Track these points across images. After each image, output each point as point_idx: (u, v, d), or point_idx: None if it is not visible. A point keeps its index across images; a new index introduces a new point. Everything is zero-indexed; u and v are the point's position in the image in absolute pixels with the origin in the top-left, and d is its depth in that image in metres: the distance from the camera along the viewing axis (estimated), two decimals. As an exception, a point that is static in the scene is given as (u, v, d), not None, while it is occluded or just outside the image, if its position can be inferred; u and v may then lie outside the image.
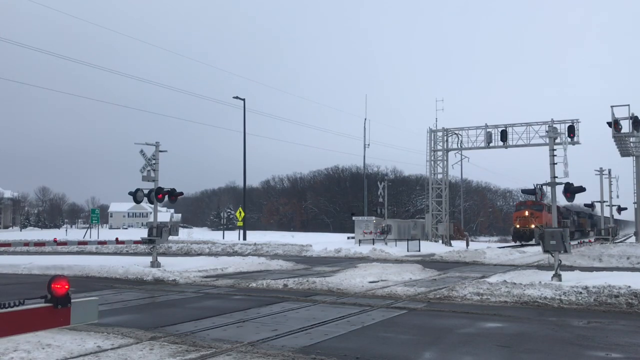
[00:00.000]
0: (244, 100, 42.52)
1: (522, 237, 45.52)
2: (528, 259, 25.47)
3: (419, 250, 31.77)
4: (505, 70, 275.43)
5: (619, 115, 25.19)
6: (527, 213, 46.04)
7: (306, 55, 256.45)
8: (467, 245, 38.45)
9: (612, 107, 25.40)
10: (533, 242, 41.21)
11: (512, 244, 45.59)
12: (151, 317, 9.94)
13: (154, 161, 19.38)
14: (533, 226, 42.81)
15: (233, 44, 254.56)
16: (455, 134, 41.40)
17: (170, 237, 21.86)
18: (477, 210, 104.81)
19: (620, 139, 27.66)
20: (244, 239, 42.01)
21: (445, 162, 42.09)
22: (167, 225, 20.82)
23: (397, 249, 31.15)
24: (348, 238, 44.18)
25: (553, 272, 14.28)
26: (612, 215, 40.46)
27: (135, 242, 21.74)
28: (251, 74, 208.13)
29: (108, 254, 29.42)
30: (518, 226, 46.54)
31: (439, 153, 42.02)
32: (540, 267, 20.11)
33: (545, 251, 14.86)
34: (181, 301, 12.07)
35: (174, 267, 18.54)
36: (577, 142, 34.55)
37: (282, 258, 24.46)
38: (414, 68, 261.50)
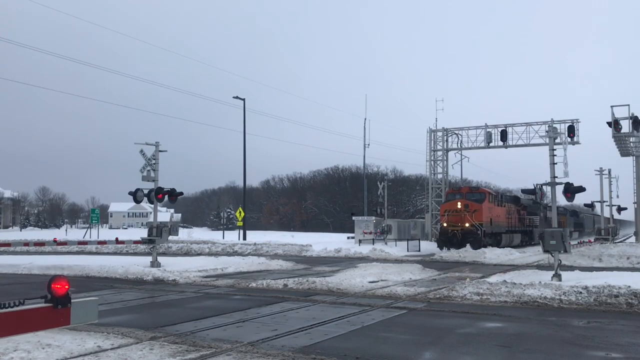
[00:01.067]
0: (244, 100, 42.51)
1: (451, 241, 30.74)
2: (528, 259, 25.48)
3: (419, 250, 31.77)
4: (505, 70, 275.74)
5: (619, 115, 25.18)
6: (459, 205, 31.60)
7: (306, 55, 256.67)
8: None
9: (612, 107, 25.40)
10: (468, 247, 28.50)
11: (439, 252, 29.32)
12: (151, 317, 9.94)
13: (153, 161, 19.38)
14: (467, 225, 30.68)
15: (233, 44, 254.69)
16: (455, 133, 41.42)
17: (170, 237, 21.91)
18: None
19: (620, 139, 27.64)
20: (244, 239, 41.99)
21: (445, 162, 42.11)
22: (167, 225, 20.82)
23: (397, 249, 31.14)
24: (348, 238, 44.15)
25: (553, 272, 14.28)
26: (612, 215, 40.39)
27: (135, 242, 21.73)
28: (251, 74, 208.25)
29: (108, 254, 29.42)
30: (445, 225, 31.77)
31: (439, 153, 42.02)
32: (540, 267, 20.11)
33: (545, 251, 14.86)
34: (181, 301, 12.07)
35: (174, 267, 18.54)
36: (577, 142, 34.57)
37: (282, 258, 24.46)
38: (414, 68, 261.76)
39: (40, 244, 22.39)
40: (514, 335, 8.21)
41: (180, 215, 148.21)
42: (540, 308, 10.92)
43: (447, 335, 8.25)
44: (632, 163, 33.43)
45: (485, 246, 30.24)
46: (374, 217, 39.21)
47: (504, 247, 32.33)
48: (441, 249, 31.07)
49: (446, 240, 31.33)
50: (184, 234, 54.54)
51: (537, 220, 43.39)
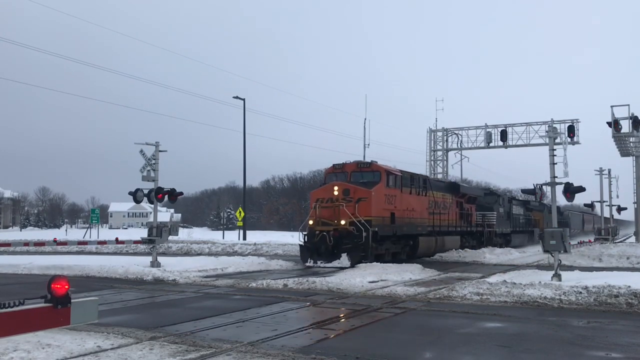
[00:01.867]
0: (244, 100, 42.49)
1: (318, 249, 19.99)
2: (528, 259, 25.48)
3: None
4: (505, 70, 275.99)
5: (618, 115, 25.20)
6: (336, 191, 20.57)
7: (307, 55, 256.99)
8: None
9: (612, 107, 25.42)
10: (346, 261, 19.20)
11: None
12: (151, 317, 9.94)
13: (153, 161, 19.37)
14: (344, 222, 19.97)
15: (233, 44, 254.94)
16: (455, 133, 41.44)
17: (170, 237, 21.85)
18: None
19: (620, 139, 27.64)
20: (244, 238, 41.99)
21: (445, 162, 42.13)
22: (167, 225, 20.80)
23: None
24: (348, 238, 43.93)
25: (553, 272, 14.27)
26: (612, 215, 40.34)
27: (135, 242, 21.74)
28: (251, 74, 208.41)
29: (108, 254, 29.42)
30: (312, 222, 20.82)
31: (439, 153, 42.05)
32: (540, 267, 20.10)
33: (545, 251, 14.85)
34: (181, 301, 12.07)
35: (174, 267, 18.53)
36: (577, 142, 34.59)
37: (282, 258, 24.44)
38: (414, 68, 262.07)
39: (40, 244, 22.42)
40: (514, 335, 8.21)
41: (180, 215, 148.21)
42: (540, 308, 10.92)
43: (447, 335, 8.25)
44: (632, 163, 33.42)
45: (380, 256, 20.86)
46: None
47: (423, 257, 23.48)
48: (304, 260, 20.35)
49: (312, 246, 20.16)
50: (184, 234, 54.49)
51: (494, 217, 33.00)
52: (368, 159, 23.78)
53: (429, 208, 25.17)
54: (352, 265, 18.84)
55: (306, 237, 20.95)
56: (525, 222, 41.40)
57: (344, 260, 19.34)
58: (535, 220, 44.15)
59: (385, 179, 21.61)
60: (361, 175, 21.72)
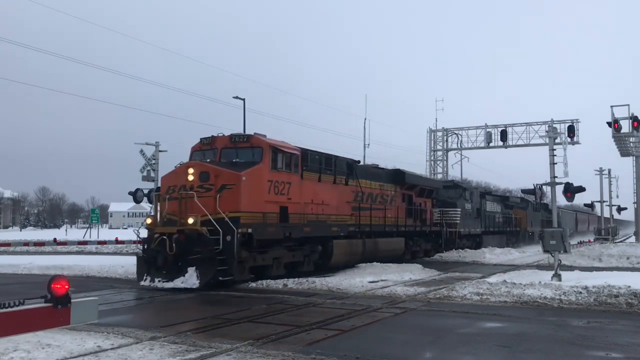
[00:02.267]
0: (243, 100, 42.47)
1: (155, 259, 13.75)
2: (528, 259, 25.48)
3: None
4: (505, 70, 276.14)
5: (618, 115, 25.24)
6: (191, 174, 14.20)
7: (307, 55, 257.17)
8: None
9: (612, 107, 25.47)
10: (193, 278, 13.32)
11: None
12: (151, 317, 9.94)
13: (153, 161, 19.41)
14: (191, 221, 13.61)
15: (233, 44, 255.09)
16: (455, 133, 41.49)
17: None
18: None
19: (620, 139, 27.66)
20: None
21: (445, 162, 42.17)
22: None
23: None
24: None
25: (553, 272, 14.28)
26: (612, 215, 40.36)
27: (135, 242, 21.75)
28: (251, 74, 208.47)
29: (108, 253, 29.40)
30: (149, 221, 14.99)
31: (439, 153, 42.09)
32: (540, 267, 20.09)
33: (545, 251, 14.86)
34: (181, 301, 12.06)
35: (174, 267, 18.48)
36: (577, 142, 34.63)
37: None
38: (414, 68, 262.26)
39: (40, 244, 22.50)
40: (514, 335, 8.21)
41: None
42: (540, 308, 10.92)
43: (447, 335, 8.25)
44: (632, 163, 33.44)
45: (262, 269, 15.34)
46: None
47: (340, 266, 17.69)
48: (140, 278, 14.27)
49: (149, 256, 14.21)
50: (184, 234, 54.31)
51: (457, 214, 27.35)
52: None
53: (353, 201, 18.89)
54: (202, 285, 13.24)
55: (144, 246, 14.87)
56: (504, 222, 34.96)
57: (191, 277, 13.40)
58: (517, 219, 38.39)
59: (271, 159, 15.20)
60: (236, 152, 15.41)
